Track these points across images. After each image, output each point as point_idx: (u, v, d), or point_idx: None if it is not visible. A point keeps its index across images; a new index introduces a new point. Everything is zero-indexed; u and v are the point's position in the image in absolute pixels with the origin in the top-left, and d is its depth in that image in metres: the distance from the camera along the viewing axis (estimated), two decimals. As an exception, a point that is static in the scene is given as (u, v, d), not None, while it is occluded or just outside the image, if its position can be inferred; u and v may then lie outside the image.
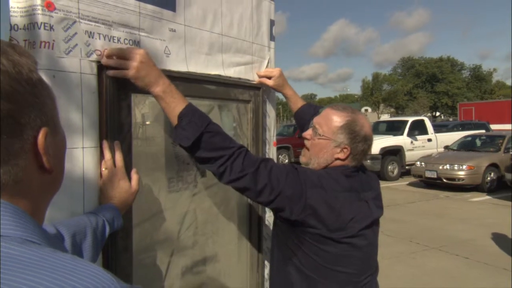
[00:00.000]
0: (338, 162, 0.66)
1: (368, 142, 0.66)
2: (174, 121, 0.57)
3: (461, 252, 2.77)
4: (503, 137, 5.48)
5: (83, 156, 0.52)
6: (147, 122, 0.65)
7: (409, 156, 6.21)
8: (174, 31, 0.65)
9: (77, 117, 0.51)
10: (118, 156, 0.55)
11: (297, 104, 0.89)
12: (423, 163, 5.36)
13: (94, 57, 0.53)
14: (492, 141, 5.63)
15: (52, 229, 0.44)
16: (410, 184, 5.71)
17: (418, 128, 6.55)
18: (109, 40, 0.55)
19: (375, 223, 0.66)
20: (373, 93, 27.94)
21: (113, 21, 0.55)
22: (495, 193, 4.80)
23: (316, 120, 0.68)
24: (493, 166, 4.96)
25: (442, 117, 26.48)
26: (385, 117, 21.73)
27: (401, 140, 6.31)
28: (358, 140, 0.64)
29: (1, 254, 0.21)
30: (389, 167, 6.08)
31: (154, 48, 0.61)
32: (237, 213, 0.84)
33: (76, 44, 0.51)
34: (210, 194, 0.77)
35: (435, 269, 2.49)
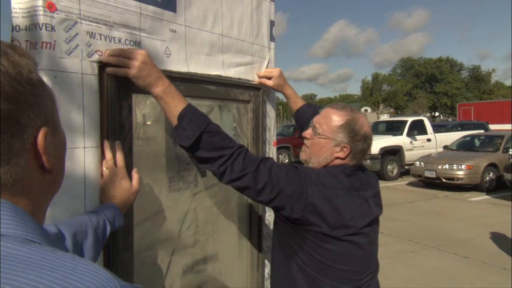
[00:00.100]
0: (338, 161, 0.66)
1: (367, 141, 0.66)
2: (174, 121, 0.57)
3: (460, 251, 2.78)
4: (502, 137, 5.50)
5: (84, 156, 0.52)
6: (148, 122, 0.66)
7: (409, 156, 6.23)
8: (175, 31, 0.65)
9: (78, 117, 0.51)
10: (119, 156, 0.55)
11: (297, 103, 0.89)
12: (422, 163, 5.38)
13: (95, 57, 0.53)
14: (491, 141, 5.65)
15: (54, 228, 0.44)
16: (410, 184, 5.73)
17: (418, 128, 6.56)
18: (110, 41, 0.55)
19: (375, 222, 0.67)
20: (372, 93, 27.96)
21: (114, 22, 0.55)
22: (493, 192, 4.82)
23: (316, 119, 0.69)
24: (492, 166, 4.97)
25: (441, 117, 26.54)
26: (385, 117, 21.76)
27: (401, 140, 6.32)
28: (357, 139, 0.65)
29: (2, 254, 0.21)
30: (389, 167, 6.10)
31: (154, 49, 0.61)
32: (238, 212, 0.85)
33: (77, 45, 0.51)
34: (210, 194, 0.77)
35: (434, 268, 2.50)
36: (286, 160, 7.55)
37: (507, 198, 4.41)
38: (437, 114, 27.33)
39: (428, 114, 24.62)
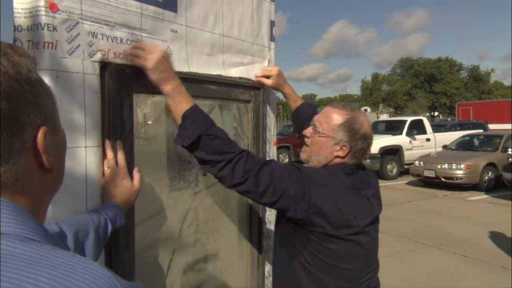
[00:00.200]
0: (337, 160, 0.66)
1: (367, 140, 0.66)
2: (178, 120, 0.58)
3: (459, 250, 2.78)
4: (500, 136, 5.52)
5: (85, 155, 0.52)
6: (149, 122, 0.66)
7: (408, 155, 6.23)
8: (176, 32, 0.65)
9: (80, 117, 0.51)
10: (120, 155, 0.55)
11: (296, 102, 0.88)
12: (421, 162, 5.39)
13: (96, 57, 0.53)
14: (490, 141, 5.67)
15: (55, 227, 0.44)
16: (409, 183, 5.74)
17: (417, 128, 6.57)
18: (112, 41, 0.55)
19: (376, 220, 0.67)
20: (372, 93, 27.98)
21: (115, 22, 0.56)
22: (492, 192, 4.83)
23: (316, 118, 0.69)
24: (491, 165, 4.98)
25: (441, 117, 26.61)
26: (384, 117, 21.74)
27: (400, 139, 6.33)
28: (357, 138, 0.65)
29: (2, 252, 0.21)
30: (388, 166, 6.11)
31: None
32: (238, 211, 0.85)
33: (79, 45, 0.51)
34: (211, 193, 0.77)
35: (433, 267, 2.51)
36: (286, 160, 7.54)
37: (506, 198, 4.42)
38: (436, 114, 27.38)
39: (428, 114, 24.65)
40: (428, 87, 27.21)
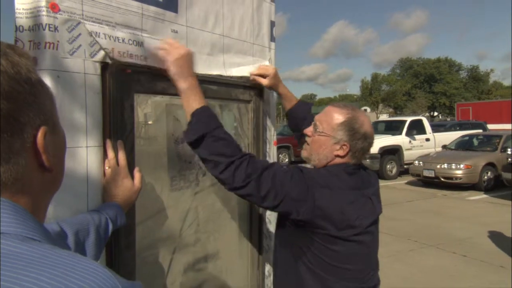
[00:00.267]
0: (338, 160, 0.66)
1: (368, 140, 0.66)
2: (188, 117, 0.60)
3: (459, 250, 2.79)
4: (500, 136, 5.53)
5: (87, 155, 0.52)
6: (149, 122, 0.66)
7: (408, 155, 6.25)
8: (176, 32, 0.66)
9: (81, 117, 0.52)
10: (121, 155, 0.55)
11: (291, 102, 0.86)
12: (421, 162, 5.40)
13: (98, 57, 0.54)
14: (489, 141, 5.67)
15: (56, 226, 0.44)
16: (408, 183, 5.75)
17: (416, 128, 6.58)
18: (115, 41, 0.55)
19: (377, 219, 0.68)
20: (372, 93, 27.99)
21: (116, 22, 0.56)
22: (492, 191, 4.84)
23: (317, 117, 0.69)
24: (490, 165, 5.00)
25: (440, 117, 26.63)
26: (384, 117, 21.73)
27: (400, 139, 6.34)
28: (357, 138, 0.65)
29: (2, 252, 0.21)
30: (388, 166, 6.11)
31: (155, 49, 0.61)
32: (238, 211, 0.85)
33: (80, 45, 0.51)
34: (211, 193, 0.77)
35: (433, 267, 2.51)
36: (286, 160, 7.54)
37: (505, 197, 4.43)
38: (435, 114, 27.41)
39: (427, 114, 24.66)
40: (427, 87, 27.24)
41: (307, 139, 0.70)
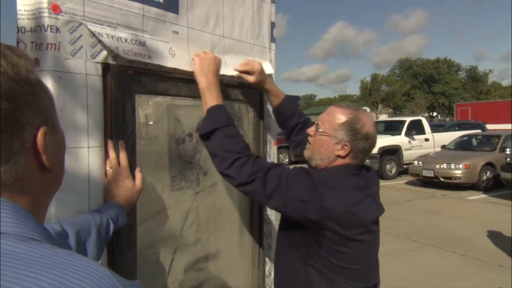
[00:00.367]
0: (339, 161, 0.66)
1: (369, 140, 0.66)
2: (204, 113, 0.64)
3: (458, 249, 2.80)
4: (498, 136, 5.54)
5: (88, 156, 0.53)
6: (150, 122, 0.66)
7: (407, 155, 6.26)
8: (177, 33, 0.66)
9: (82, 117, 0.52)
10: (123, 156, 0.56)
11: (279, 97, 0.81)
12: (420, 162, 5.41)
13: (99, 58, 0.54)
14: (488, 141, 5.69)
15: (57, 226, 0.45)
16: (408, 183, 5.76)
17: (416, 128, 6.60)
18: (118, 40, 0.55)
19: (378, 218, 0.68)
20: (371, 94, 28.00)
21: (118, 23, 0.56)
22: (490, 191, 4.86)
23: (320, 117, 0.70)
24: (489, 165, 5.01)
25: (439, 117, 26.66)
26: (383, 117, 21.79)
27: (399, 139, 6.35)
28: (358, 138, 0.65)
29: (2, 251, 0.21)
30: (387, 166, 6.13)
31: (158, 49, 0.62)
32: (239, 211, 0.86)
33: (82, 46, 0.52)
34: (212, 193, 0.78)
35: (432, 266, 2.52)
36: (286, 160, 7.53)
37: (504, 197, 4.45)
38: (435, 114, 27.43)
39: (426, 114, 24.67)
40: (426, 87, 27.28)
41: (309, 138, 0.70)
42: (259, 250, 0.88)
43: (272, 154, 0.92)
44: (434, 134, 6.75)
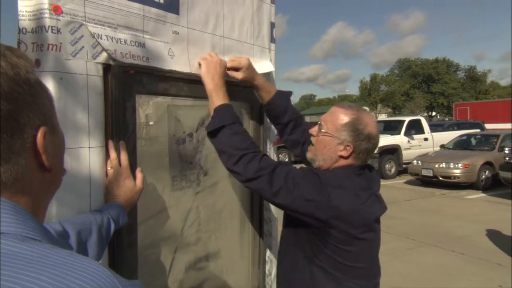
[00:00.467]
0: (342, 161, 0.66)
1: (372, 141, 0.66)
2: (211, 113, 0.65)
3: (457, 248, 2.81)
4: (497, 136, 5.56)
5: (89, 156, 0.53)
6: (151, 123, 0.67)
7: (406, 155, 6.28)
8: (178, 33, 0.66)
9: (83, 118, 0.52)
10: (123, 156, 0.56)
11: (270, 93, 0.77)
12: (419, 162, 5.42)
13: (100, 59, 0.54)
14: (487, 140, 5.71)
15: (58, 226, 0.45)
16: (407, 182, 5.78)
17: (415, 128, 6.62)
18: (117, 42, 0.56)
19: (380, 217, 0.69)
20: (371, 94, 28.03)
21: (118, 24, 0.56)
22: (489, 190, 4.88)
23: (322, 117, 0.70)
24: (488, 164, 5.03)
25: (438, 116, 26.68)
26: (383, 117, 21.80)
27: (398, 139, 6.37)
28: (361, 138, 0.65)
29: (2, 251, 0.21)
30: (387, 165, 6.14)
31: (158, 50, 0.62)
32: (239, 210, 0.86)
33: (83, 47, 0.52)
34: (212, 192, 0.78)
35: (431, 265, 2.53)
36: (286, 160, 7.55)
37: (502, 196, 4.47)
38: (434, 113, 27.48)
39: (425, 114, 24.75)
40: (425, 87, 27.32)
41: (312, 139, 0.70)
42: (259, 249, 0.88)
43: (272, 153, 0.92)
44: (433, 133, 6.77)
